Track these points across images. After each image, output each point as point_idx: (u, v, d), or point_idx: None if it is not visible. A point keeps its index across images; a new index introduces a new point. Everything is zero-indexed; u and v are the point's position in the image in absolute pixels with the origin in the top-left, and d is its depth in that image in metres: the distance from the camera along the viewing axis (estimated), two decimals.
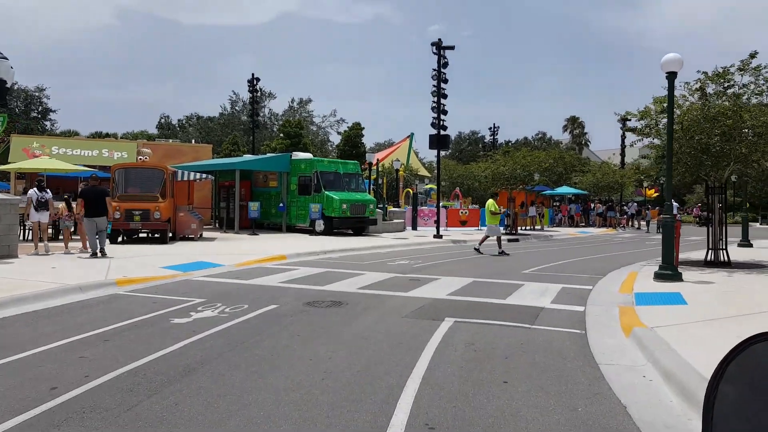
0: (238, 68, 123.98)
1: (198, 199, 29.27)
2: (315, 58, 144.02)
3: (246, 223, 25.10)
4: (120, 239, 18.73)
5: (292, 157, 26.18)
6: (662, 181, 62.38)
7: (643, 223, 42.03)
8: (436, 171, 35.88)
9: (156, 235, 18.74)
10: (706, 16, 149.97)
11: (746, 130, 13.75)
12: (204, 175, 21.52)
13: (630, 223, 43.61)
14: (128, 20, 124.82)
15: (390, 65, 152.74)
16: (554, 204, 46.53)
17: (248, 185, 27.45)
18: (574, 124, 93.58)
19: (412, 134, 58.42)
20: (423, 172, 61.33)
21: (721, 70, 13.76)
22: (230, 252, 16.64)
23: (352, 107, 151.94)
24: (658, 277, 11.72)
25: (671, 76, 11.65)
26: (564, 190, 43.65)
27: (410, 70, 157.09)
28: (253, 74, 35.67)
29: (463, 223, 33.93)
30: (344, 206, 24.20)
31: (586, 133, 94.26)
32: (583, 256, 19.13)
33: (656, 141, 15.68)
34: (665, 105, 14.12)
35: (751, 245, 23.31)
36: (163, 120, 77.91)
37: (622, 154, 52.88)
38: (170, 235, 19.14)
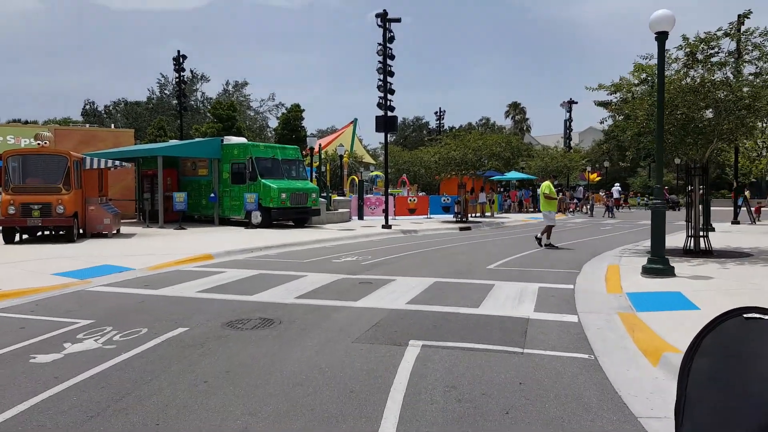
0: (171, 54, 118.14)
1: (119, 189, 26.45)
2: (252, 44, 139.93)
3: (173, 216, 22.52)
4: (17, 239, 15.96)
5: (224, 142, 23.66)
6: (606, 165, 62.48)
7: (588, 207, 41.20)
8: (380, 158, 33.93)
9: (61, 233, 16.03)
10: (639, 6, 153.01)
11: (731, 104, 12.29)
12: (119, 163, 18.84)
13: (577, 208, 42.79)
14: (53, 4, 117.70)
15: (330, 51, 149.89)
16: (500, 190, 45.26)
17: (175, 174, 24.79)
18: (515, 109, 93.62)
19: (356, 120, 56.27)
20: (368, 159, 59.30)
21: (704, 35, 12.21)
22: (147, 251, 14.24)
23: (293, 94, 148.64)
24: (648, 272, 10.09)
25: (661, 37, 9.95)
26: (513, 175, 42.46)
27: (350, 56, 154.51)
28: (179, 51, 32.72)
29: (412, 211, 32.14)
30: (283, 196, 21.93)
31: (527, 119, 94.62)
32: None
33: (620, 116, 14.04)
34: (645, 75, 12.58)
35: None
36: (87, 106, 72.97)
37: (569, 138, 52.21)
38: (79, 231, 16.50)
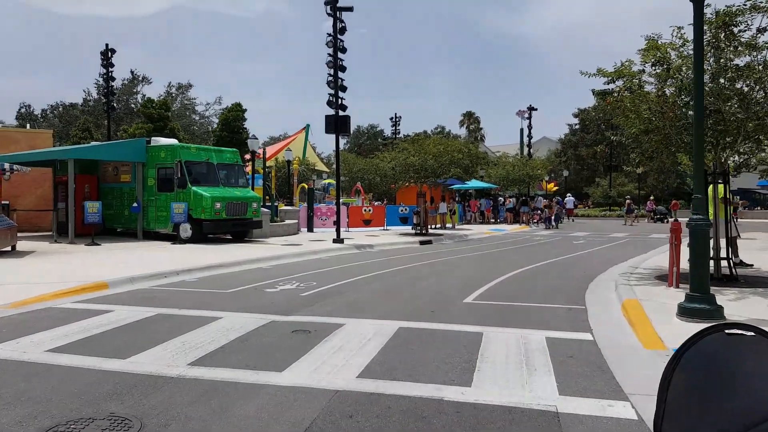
0: (121, 61, 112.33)
1: (34, 199, 23.07)
2: (205, 53, 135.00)
3: (89, 228, 19.12)
4: None
5: (151, 143, 20.39)
6: (566, 175, 60.91)
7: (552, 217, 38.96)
8: (334, 165, 31.03)
9: None
10: (579, 19, 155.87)
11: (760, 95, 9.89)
12: (10, 166, 15.37)
13: (541, 220, 40.59)
14: None
15: (284, 60, 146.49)
16: (456, 199, 42.69)
17: (94, 180, 21.36)
18: (470, 119, 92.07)
19: (308, 126, 53.25)
20: (321, 166, 56.25)
21: (730, 8, 9.74)
22: (26, 278, 10.99)
23: (246, 104, 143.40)
24: (689, 314, 7.44)
25: None
26: (475, 184, 40.00)
27: (306, 66, 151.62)
28: (107, 45, 29.13)
29: (367, 223, 29.30)
30: (218, 205, 18.80)
31: (481, 128, 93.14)
32: (522, 265, 14.93)
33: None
34: (657, 56, 10.06)
35: None
36: (23, 110, 67.75)
37: (529, 146, 50.25)
38: None
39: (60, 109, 66.41)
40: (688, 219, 7.84)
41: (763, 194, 55.45)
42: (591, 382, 5.26)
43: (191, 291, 10.36)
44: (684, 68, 9.98)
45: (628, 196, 47.77)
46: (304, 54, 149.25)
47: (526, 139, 50.80)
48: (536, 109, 49.92)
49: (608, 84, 11.30)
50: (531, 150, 51.14)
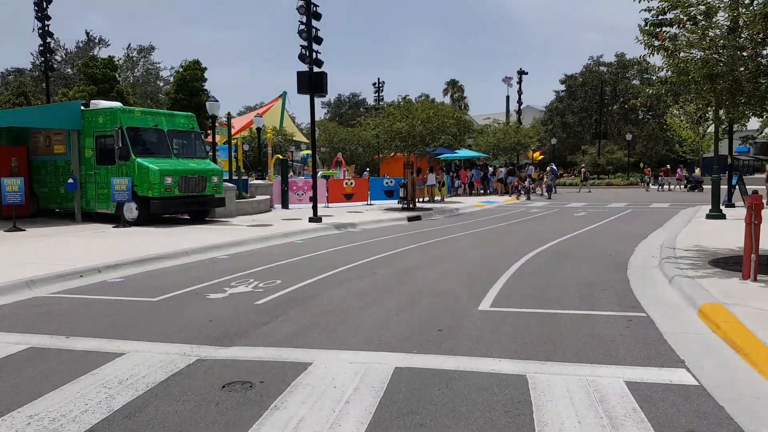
0: (83, 26, 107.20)
1: None
2: (175, 20, 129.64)
3: (23, 210, 16.26)
4: None
5: (89, 107, 17.28)
6: (554, 143, 58.36)
7: (544, 187, 36.54)
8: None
9: None
10: None
11: None
12: None
13: (532, 191, 38.02)
14: None
15: (260, 28, 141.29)
16: (443, 169, 39.94)
17: (23, 152, 18.22)
18: (454, 87, 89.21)
19: (285, 93, 49.97)
20: (300, 137, 53.06)
21: None
22: None
23: (220, 72, 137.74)
24: None
25: None
26: (464, 153, 37.28)
27: (283, 34, 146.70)
28: None
29: (349, 197, 26.52)
30: (168, 180, 15.87)
31: (465, 97, 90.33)
32: (533, 246, 12.35)
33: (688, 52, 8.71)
34: None
35: (724, 216, 17.82)
36: None
37: (519, 113, 47.61)
38: None
39: (11, 76, 61.83)
40: None
41: None
42: None
43: (105, 300, 7.58)
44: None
45: (583, 165, 46.61)
46: (286, 21, 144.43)
47: (515, 106, 48.18)
48: (527, 73, 47.34)
49: (657, 15, 8.58)
50: (521, 117, 48.55)
